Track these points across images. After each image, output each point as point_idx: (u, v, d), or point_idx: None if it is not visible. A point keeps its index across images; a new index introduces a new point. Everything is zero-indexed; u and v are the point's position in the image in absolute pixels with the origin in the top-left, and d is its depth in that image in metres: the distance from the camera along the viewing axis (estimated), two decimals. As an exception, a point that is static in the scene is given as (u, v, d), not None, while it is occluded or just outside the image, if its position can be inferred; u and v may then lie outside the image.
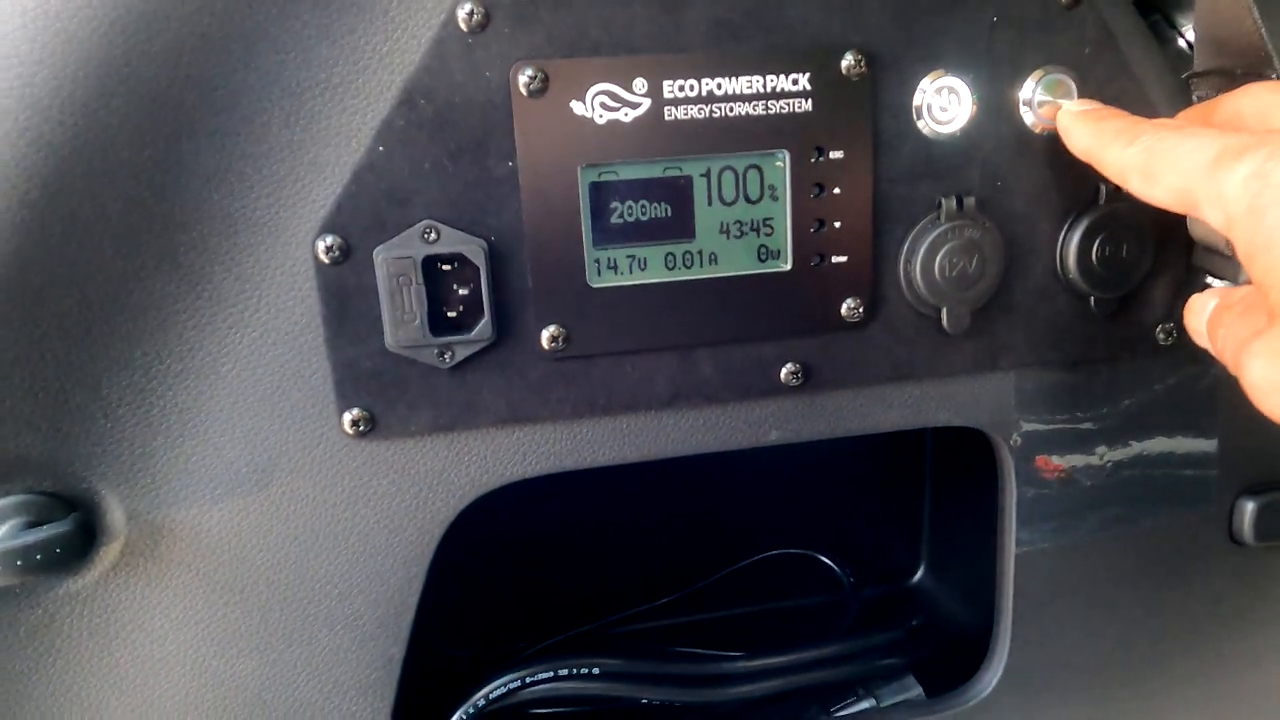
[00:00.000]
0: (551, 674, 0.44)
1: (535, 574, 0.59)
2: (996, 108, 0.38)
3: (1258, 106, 0.34)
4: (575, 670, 0.45)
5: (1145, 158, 0.31)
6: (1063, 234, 0.40)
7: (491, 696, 0.44)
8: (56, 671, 0.36)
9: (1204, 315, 0.34)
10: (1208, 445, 0.46)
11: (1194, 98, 0.40)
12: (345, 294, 0.34)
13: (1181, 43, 0.43)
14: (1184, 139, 0.30)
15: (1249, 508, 0.46)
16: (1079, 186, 0.40)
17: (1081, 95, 0.38)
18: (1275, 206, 0.26)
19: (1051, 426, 0.43)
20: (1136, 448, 0.45)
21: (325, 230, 0.33)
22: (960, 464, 0.58)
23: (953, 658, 0.52)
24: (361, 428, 0.36)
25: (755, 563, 0.62)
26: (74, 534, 0.33)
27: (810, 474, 0.63)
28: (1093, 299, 0.41)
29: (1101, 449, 0.44)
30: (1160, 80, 0.40)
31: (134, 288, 0.32)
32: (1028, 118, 0.38)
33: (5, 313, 0.31)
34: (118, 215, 0.31)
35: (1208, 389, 0.45)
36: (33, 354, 0.32)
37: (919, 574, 0.64)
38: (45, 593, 0.35)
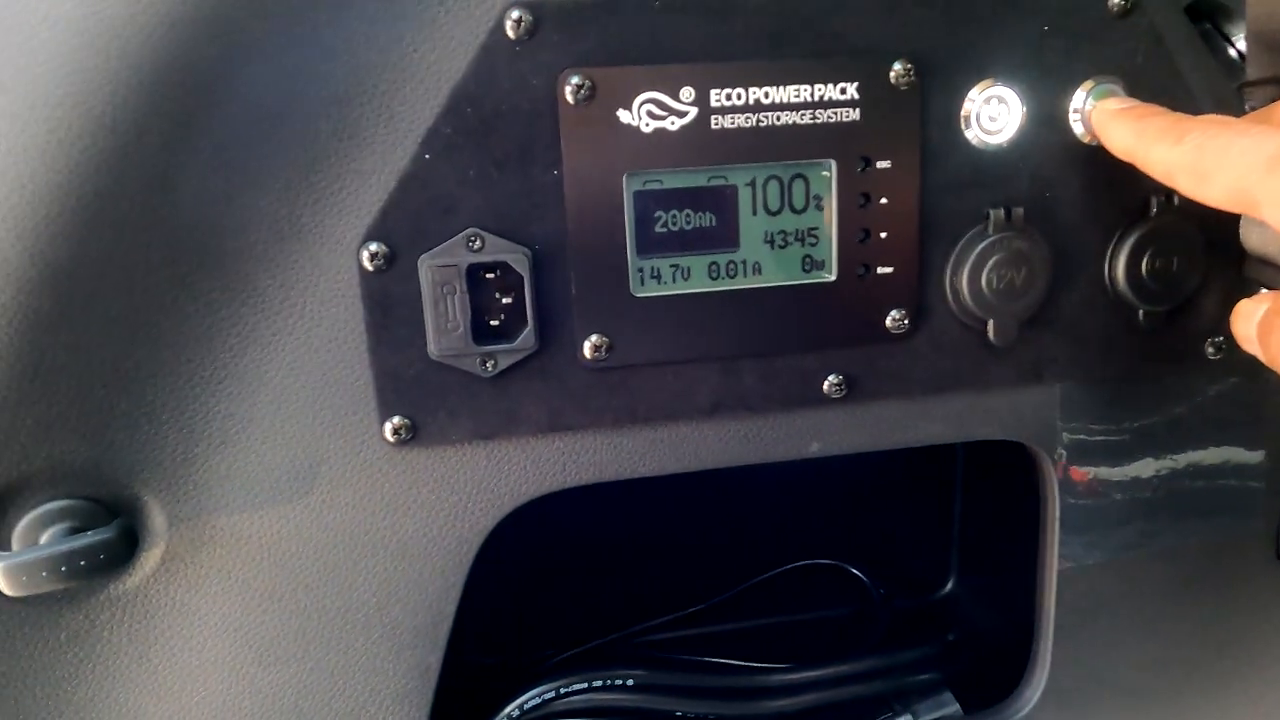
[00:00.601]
0: (586, 685, 0.44)
1: (564, 581, 0.58)
2: (1046, 117, 0.37)
3: None
4: (609, 681, 0.44)
5: (1195, 155, 0.30)
6: (1112, 246, 0.39)
7: (526, 707, 0.43)
8: (96, 676, 0.36)
9: (1254, 321, 0.33)
10: (1254, 456, 0.45)
11: (1247, 107, 0.40)
12: (389, 302, 0.34)
13: (1233, 52, 0.42)
14: (1238, 136, 0.29)
15: (1297, 526, 0.46)
16: (1130, 198, 0.39)
17: (1133, 105, 0.38)
18: None
19: (1096, 438, 0.43)
20: (1182, 459, 0.44)
21: (370, 238, 0.33)
22: (993, 473, 0.57)
23: (987, 672, 0.51)
24: (402, 436, 0.35)
25: (784, 573, 0.61)
26: (117, 540, 0.33)
27: (839, 483, 0.63)
28: (1141, 312, 0.40)
29: (1147, 461, 0.44)
30: (1212, 90, 0.39)
31: (180, 294, 0.32)
32: (1078, 128, 0.38)
33: (54, 319, 0.31)
34: (167, 222, 0.31)
35: (1255, 400, 0.44)
36: (79, 361, 0.32)
37: (949, 585, 0.63)
38: (86, 597, 0.35)
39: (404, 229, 0.33)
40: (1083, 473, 0.43)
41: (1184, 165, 0.31)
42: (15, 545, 0.33)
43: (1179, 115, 0.33)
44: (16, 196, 0.29)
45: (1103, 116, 0.36)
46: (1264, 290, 0.40)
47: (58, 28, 0.29)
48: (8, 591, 0.32)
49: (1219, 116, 0.32)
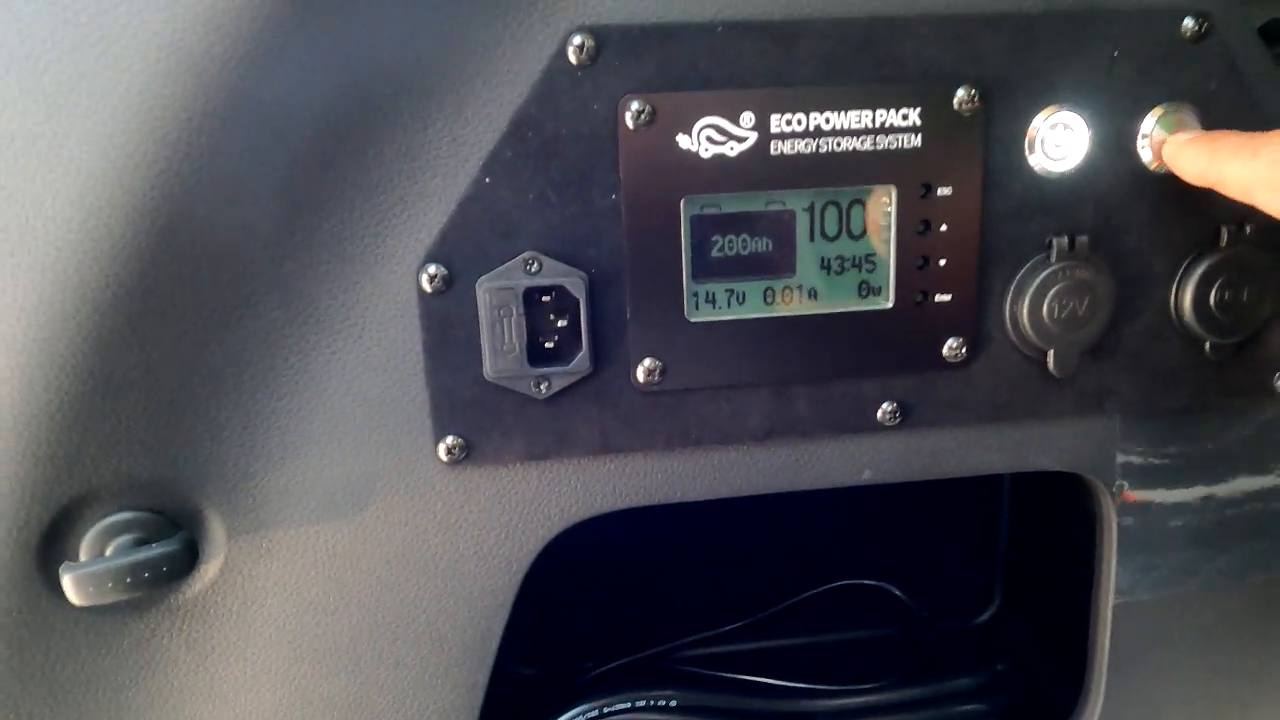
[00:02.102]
0: (629, 704, 0.44)
1: (606, 594, 0.58)
2: (1113, 144, 0.37)
3: None
4: (652, 701, 0.44)
5: (1273, 169, 0.30)
6: (1179, 275, 0.38)
7: (570, 725, 0.44)
8: (155, 683, 0.36)
9: None
10: None
11: None
12: (446, 323, 0.34)
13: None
14: None
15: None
16: (1199, 227, 0.38)
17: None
18: None
19: (1155, 466, 0.42)
20: (1244, 489, 0.43)
21: (430, 260, 0.34)
22: (1040, 498, 0.56)
23: (1033, 703, 0.50)
24: (456, 455, 0.36)
25: (826, 592, 0.60)
26: (180, 552, 0.34)
27: (884, 504, 0.62)
28: (1208, 344, 0.39)
29: (1207, 490, 0.43)
30: (1288, 116, 0.38)
31: (244, 314, 0.33)
32: (1145, 155, 0.37)
33: (125, 336, 0.32)
34: (234, 243, 0.32)
35: None
36: (148, 377, 0.33)
37: (993, 610, 0.62)
38: (148, 607, 0.36)
39: (463, 251, 0.34)
40: (1141, 501, 0.42)
41: (1262, 179, 0.31)
42: (83, 555, 0.34)
43: (1250, 134, 0.33)
44: (94, 220, 0.30)
45: (1174, 148, 0.35)
46: None
47: (138, 60, 0.29)
48: (75, 600, 0.33)
49: None
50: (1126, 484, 0.41)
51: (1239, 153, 0.32)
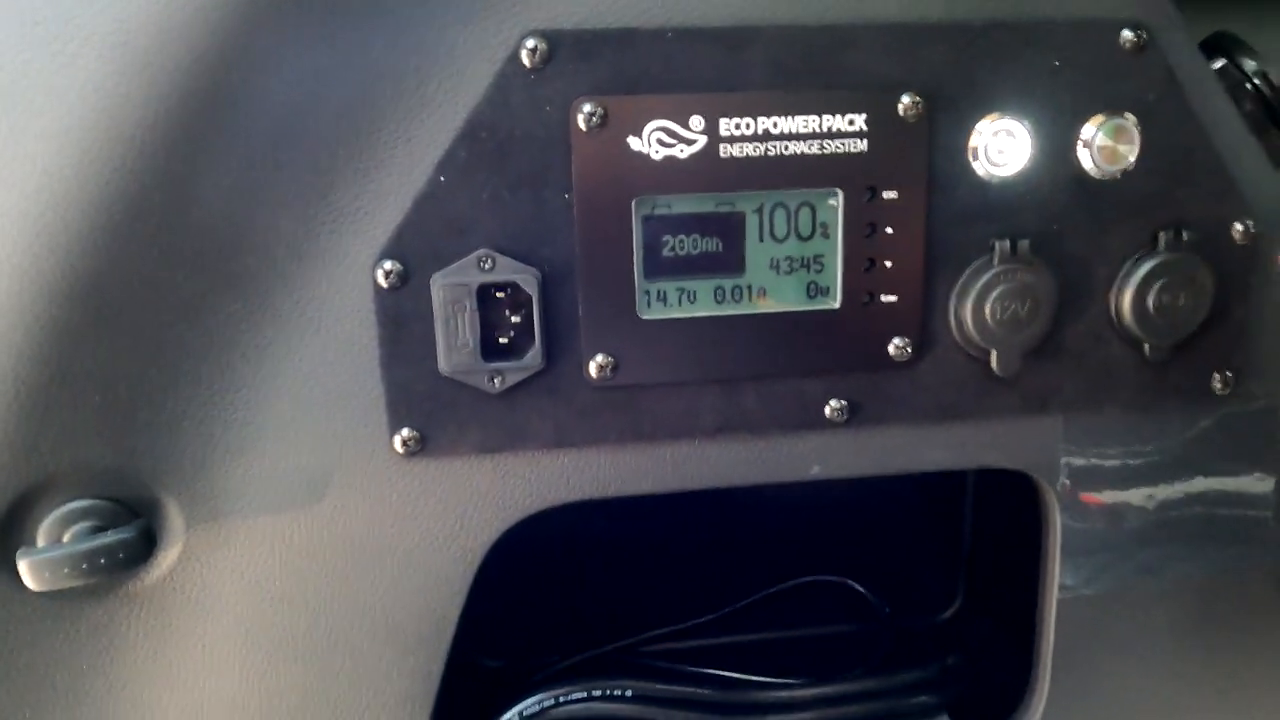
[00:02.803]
0: (585, 694, 0.45)
1: (570, 589, 0.59)
2: (1055, 151, 0.38)
3: None
4: (608, 691, 0.45)
5: None
6: (1118, 279, 0.39)
7: (525, 714, 0.44)
8: (114, 669, 0.37)
9: None
10: (1262, 487, 0.45)
11: None
12: (402, 318, 0.35)
13: (1249, 86, 0.42)
14: None
15: (1302, 563, 0.45)
16: (1137, 233, 0.39)
17: (1145, 142, 0.38)
18: None
19: (1099, 466, 0.43)
20: (1187, 488, 0.44)
21: (385, 256, 0.34)
22: (1002, 496, 0.57)
23: (989, 697, 0.52)
24: (411, 447, 0.36)
25: (790, 588, 0.61)
26: (137, 539, 0.34)
27: (847, 501, 0.63)
28: (1147, 346, 0.40)
29: (1151, 489, 0.44)
30: (1227, 127, 0.39)
31: (202, 308, 0.34)
32: (1086, 162, 0.38)
33: (82, 330, 0.32)
34: (191, 240, 0.33)
35: (1263, 432, 0.44)
36: (106, 369, 0.33)
37: (955, 606, 0.63)
38: (106, 593, 0.36)
39: (418, 249, 0.35)
40: (1085, 500, 0.43)
41: None
42: (40, 542, 0.35)
43: None
44: (51, 214, 0.31)
45: None
46: None
47: (92, 54, 0.30)
48: (32, 586, 0.33)
49: None
50: (1069, 481, 0.43)
51: None
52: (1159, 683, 0.47)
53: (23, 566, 0.33)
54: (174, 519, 0.36)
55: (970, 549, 0.62)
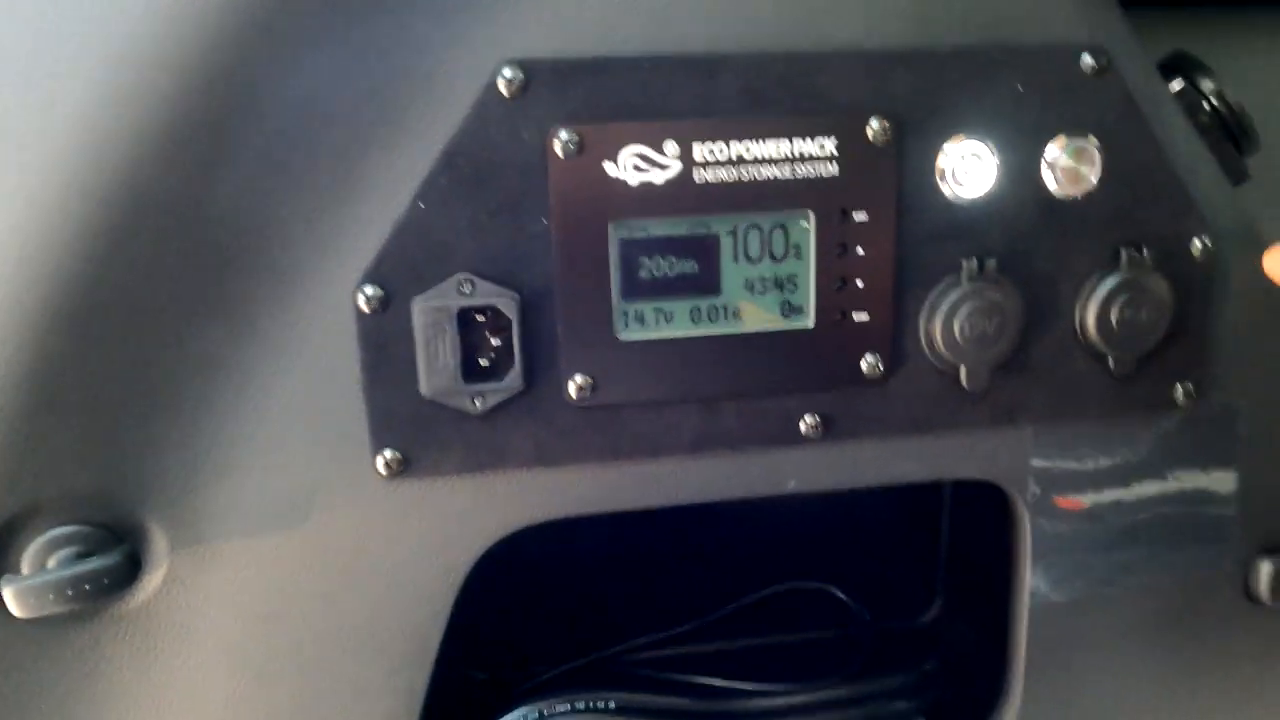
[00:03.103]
0: (569, 706, 0.45)
1: (553, 599, 0.60)
2: (1020, 172, 0.39)
3: None
4: (591, 703, 0.46)
5: None
6: (1083, 296, 0.41)
7: (510, 728, 0.45)
8: (100, 693, 0.37)
9: None
10: (1225, 491, 0.46)
11: None
12: (383, 342, 0.36)
13: (1207, 106, 0.43)
14: None
15: (1265, 568, 0.47)
16: (1100, 250, 0.40)
17: (1106, 162, 0.39)
18: None
19: (1066, 475, 0.44)
20: (1152, 495, 0.45)
21: (366, 281, 0.35)
22: (978, 503, 0.58)
23: (966, 702, 0.53)
24: (394, 469, 0.37)
25: (771, 595, 0.62)
26: (121, 564, 0.35)
27: (827, 508, 0.64)
28: (1111, 359, 0.41)
29: (1117, 493, 0.45)
30: (1185, 147, 0.41)
31: (185, 334, 0.34)
32: (1050, 183, 0.39)
33: (65, 355, 0.33)
34: (174, 267, 0.33)
35: (1226, 439, 0.45)
36: (89, 394, 0.34)
37: (934, 611, 0.64)
38: (91, 618, 0.36)
39: (399, 273, 0.35)
40: (1054, 508, 0.45)
41: None
42: (25, 569, 0.35)
43: None
44: (32, 246, 0.31)
45: (1277, 255, 0.37)
46: None
47: (75, 86, 0.30)
48: (17, 613, 0.33)
49: None
50: (1039, 490, 0.44)
51: None
52: (1130, 685, 0.48)
53: (7, 594, 0.33)
54: (158, 543, 0.36)
55: (948, 554, 0.63)
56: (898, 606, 0.64)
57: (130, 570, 0.35)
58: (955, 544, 0.62)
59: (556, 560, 0.59)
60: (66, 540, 0.35)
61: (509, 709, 0.48)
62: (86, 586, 0.34)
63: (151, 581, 0.37)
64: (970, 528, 0.60)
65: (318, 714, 0.40)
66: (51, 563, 0.35)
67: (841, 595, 0.62)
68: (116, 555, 0.35)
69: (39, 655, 0.36)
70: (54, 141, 0.31)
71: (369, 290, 0.35)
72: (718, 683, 0.52)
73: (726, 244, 0.38)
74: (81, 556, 0.35)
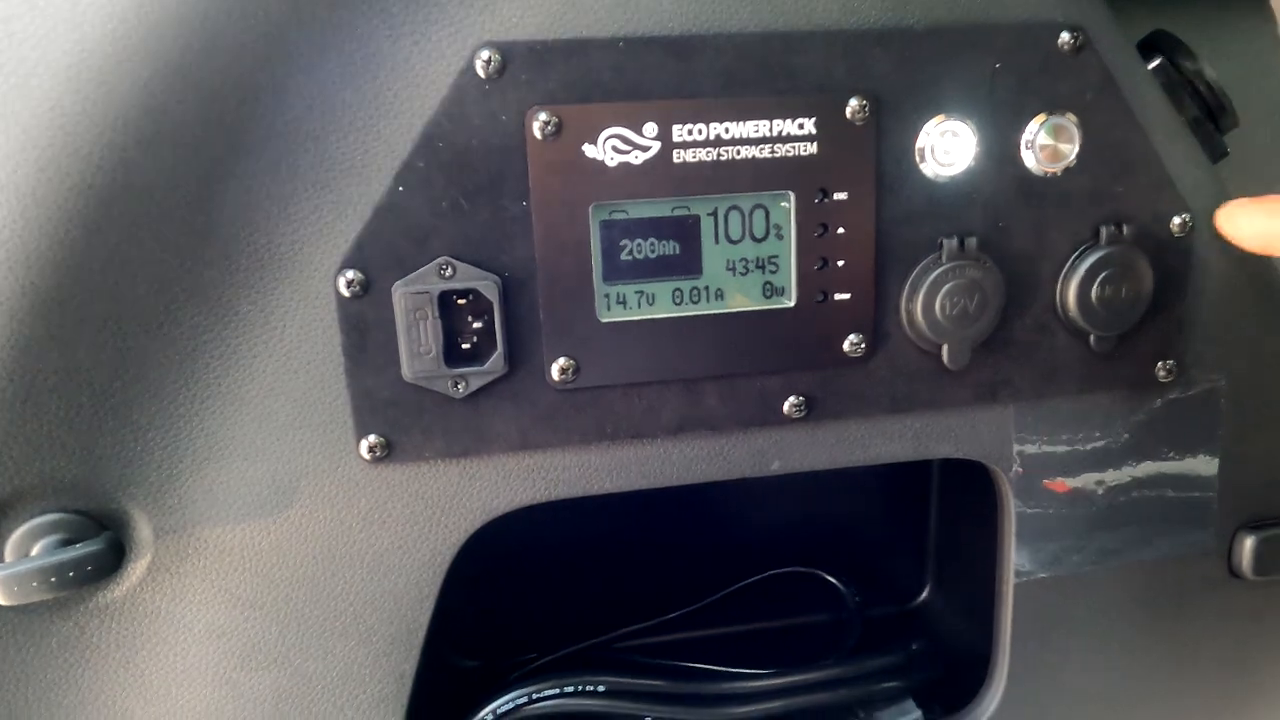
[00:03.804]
0: (557, 690, 0.45)
1: (544, 587, 0.60)
2: (999, 150, 0.39)
3: None
4: (580, 687, 0.46)
5: None
6: (1063, 273, 0.41)
7: (499, 713, 0.45)
8: (85, 681, 0.37)
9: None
10: (1207, 471, 0.46)
11: None
12: (364, 326, 0.36)
13: (1186, 84, 0.43)
14: None
15: (1248, 543, 0.47)
16: (1080, 228, 0.40)
17: (1085, 140, 0.39)
18: None
19: (1050, 452, 0.44)
20: (1135, 473, 0.46)
21: (346, 265, 0.35)
22: (966, 484, 0.58)
23: (955, 681, 0.53)
24: (378, 453, 0.37)
25: (761, 580, 0.63)
26: (105, 551, 0.35)
27: (815, 492, 0.64)
28: (1092, 337, 0.42)
29: (1100, 474, 0.45)
30: (1164, 124, 0.41)
31: (165, 320, 0.34)
32: (1029, 160, 0.39)
33: (44, 344, 0.33)
34: (152, 253, 0.33)
35: (1208, 418, 0.45)
36: (69, 382, 0.34)
37: (925, 594, 0.65)
38: (76, 606, 0.36)
39: (379, 257, 0.35)
40: (1038, 486, 0.45)
41: None
42: (8, 557, 0.35)
43: None
44: (8, 232, 0.31)
45: (1231, 211, 0.36)
46: None
47: (47, 72, 0.30)
48: (1, 601, 0.33)
49: None
50: (1022, 469, 0.44)
51: None
52: (1115, 663, 0.49)
53: (-10, 581, 0.33)
54: (142, 530, 0.36)
55: (936, 537, 0.64)
56: (886, 590, 0.64)
57: (114, 557, 0.35)
58: (944, 528, 0.63)
59: (544, 546, 0.59)
60: (50, 528, 0.35)
61: (497, 696, 0.49)
62: (70, 574, 0.34)
63: (136, 569, 0.37)
64: (958, 509, 0.61)
65: (306, 699, 0.40)
66: (35, 550, 0.35)
67: (831, 579, 0.62)
68: (100, 542, 0.34)
69: (23, 644, 0.36)
70: (29, 128, 0.31)
71: (349, 275, 0.35)
72: (705, 667, 0.52)
73: (707, 225, 0.38)
74: (65, 544, 0.35)
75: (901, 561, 0.65)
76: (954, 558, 0.62)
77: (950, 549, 0.62)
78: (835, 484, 0.64)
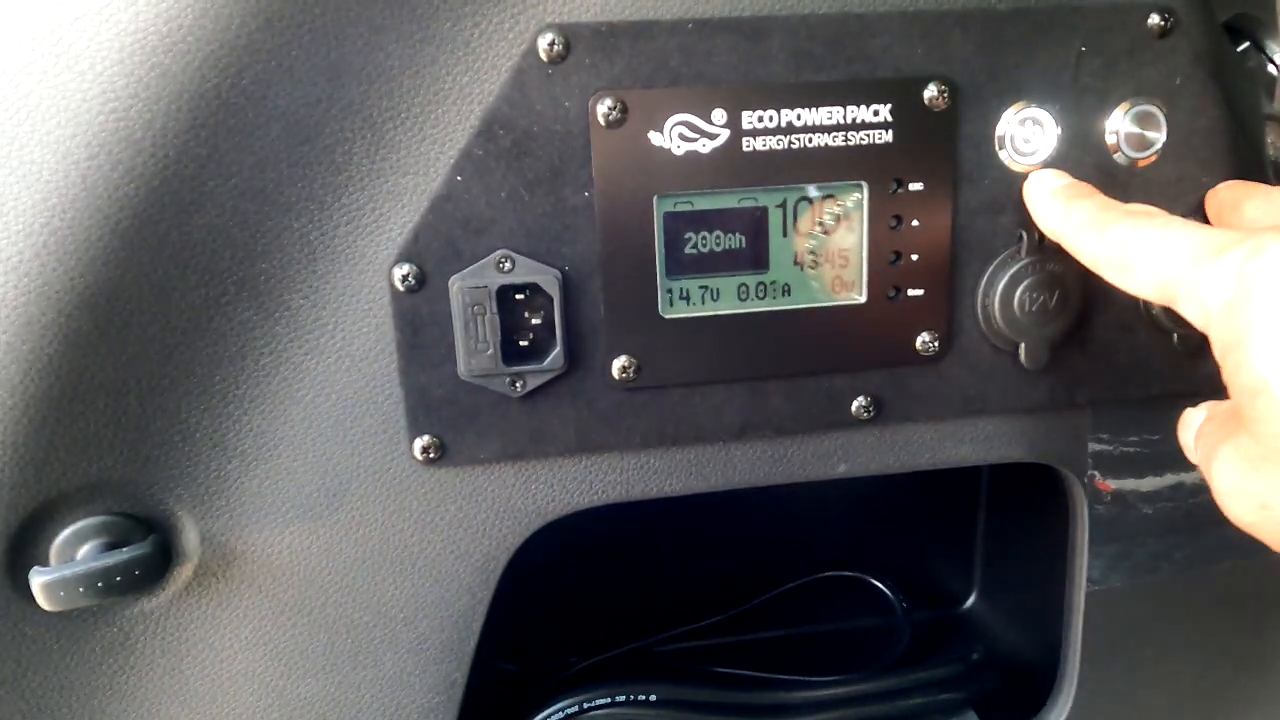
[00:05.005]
0: (609, 699, 0.44)
1: (588, 588, 0.59)
2: (1082, 139, 0.37)
3: (1260, 212, 0.34)
4: (632, 696, 0.44)
5: (1119, 250, 0.31)
6: (1147, 269, 0.39)
7: (550, 721, 0.44)
8: (129, 688, 0.36)
9: (1193, 429, 0.33)
10: None
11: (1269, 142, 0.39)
12: (419, 322, 0.34)
13: (1272, 68, 0.41)
14: (1160, 232, 0.30)
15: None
16: (1166, 220, 0.38)
17: (1171, 127, 0.37)
18: (1249, 304, 0.26)
19: (1126, 457, 0.42)
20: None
21: (402, 259, 0.34)
22: (1016, 488, 0.56)
23: (1011, 692, 0.51)
24: (432, 455, 0.36)
25: (806, 584, 0.61)
26: (151, 556, 0.33)
27: (863, 496, 0.62)
28: (1175, 335, 0.40)
29: (1177, 477, 0.43)
30: (1252, 110, 0.39)
31: (214, 315, 0.33)
32: (1114, 149, 0.37)
33: (92, 340, 0.31)
34: (202, 244, 0.32)
35: None
36: (116, 380, 0.32)
37: (971, 600, 0.63)
38: (121, 611, 0.35)
39: (435, 250, 0.34)
40: (1112, 489, 0.43)
41: (1109, 258, 0.32)
42: (53, 560, 0.34)
43: (1104, 202, 0.33)
44: (58, 221, 0.30)
45: (1034, 191, 0.36)
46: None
47: (99, 58, 0.29)
48: (45, 606, 0.32)
49: (1139, 208, 0.32)
50: (1098, 474, 0.42)
51: (1088, 227, 0.32)
52: (1186, 670, 0.47)
53: (36, 586, 0.32)
54: (189, 533, 0.35)
55: (984, 542, 0.62)
56: (935, 595, 0.62)
57: (161, 561, 0.34)
58: (992, 533, 0.61)
59: (586, 548, 0.57)
60: (95, 531, 0.34)
61: (542, 700, 0.47)
62: (117, 579, 0.32)
63: (182, 574, 0.35)
64: (1008, 516, 0.59)
65: (354, 707, 0.38)
66: (80, 554, 0.33)
67: (878, 583, 0.61)
68: (147, 546, 0.33)
69: (68, 650, 0.35)
70: (79, 111, 0.29)
71: (404, 268, 0.34)
72: (756, 674, 0.50)
73: (775, 217, 0.36)
74: (111, 548, 0.33)
75: (947, 566, 0.63)
76: (1003, 564, 0.60)
77: (999, 554, 0.60)
78: (880, 485, 0.62)
